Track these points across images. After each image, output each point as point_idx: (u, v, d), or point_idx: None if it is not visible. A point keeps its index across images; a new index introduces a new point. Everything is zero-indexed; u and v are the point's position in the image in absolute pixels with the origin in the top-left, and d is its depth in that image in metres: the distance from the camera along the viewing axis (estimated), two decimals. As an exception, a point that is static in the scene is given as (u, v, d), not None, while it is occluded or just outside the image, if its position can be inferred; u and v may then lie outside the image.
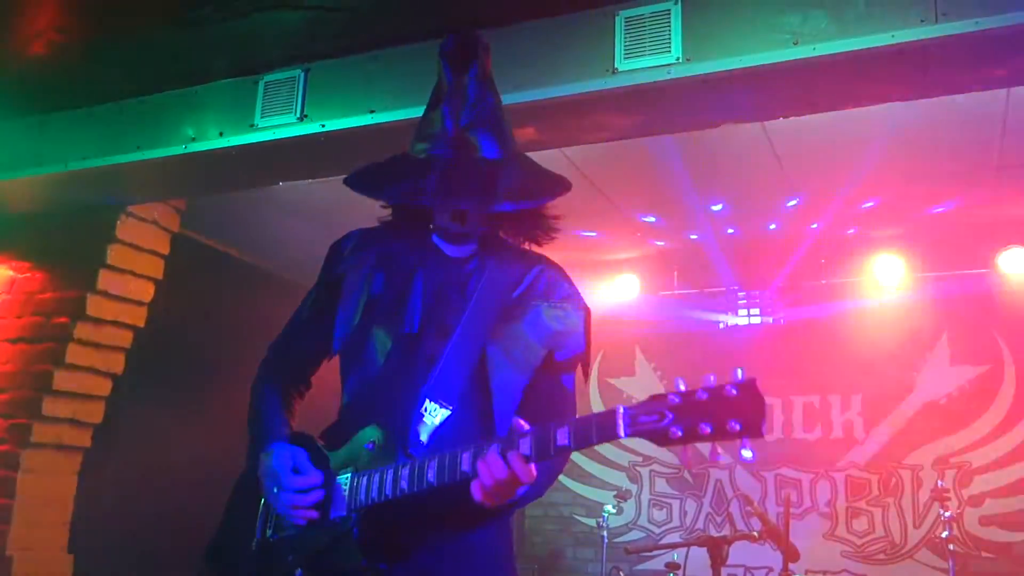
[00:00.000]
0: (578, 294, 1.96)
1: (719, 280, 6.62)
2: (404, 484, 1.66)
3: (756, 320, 6.53)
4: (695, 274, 6.68)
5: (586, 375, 1.93)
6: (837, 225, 6.05)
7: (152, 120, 4.35)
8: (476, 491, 1.57)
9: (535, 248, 2.01)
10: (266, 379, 2.11)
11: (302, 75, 4.03)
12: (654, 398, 1.42)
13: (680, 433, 1.37)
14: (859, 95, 3.56)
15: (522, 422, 1.59)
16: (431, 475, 1.62)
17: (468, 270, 1.93)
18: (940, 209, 5.72)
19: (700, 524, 6.55)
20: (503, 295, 1.88)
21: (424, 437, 1.76)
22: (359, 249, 2.02)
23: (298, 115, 3.99)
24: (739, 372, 1.39)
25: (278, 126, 4.04)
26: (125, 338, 5.08)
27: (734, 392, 1.37)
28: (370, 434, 1.80)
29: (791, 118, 3.79)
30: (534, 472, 1.55)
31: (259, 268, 6.68)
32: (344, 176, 1.96)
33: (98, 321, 4.92)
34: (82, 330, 4.86)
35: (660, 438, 1.39)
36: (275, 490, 1.82)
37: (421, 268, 1.94)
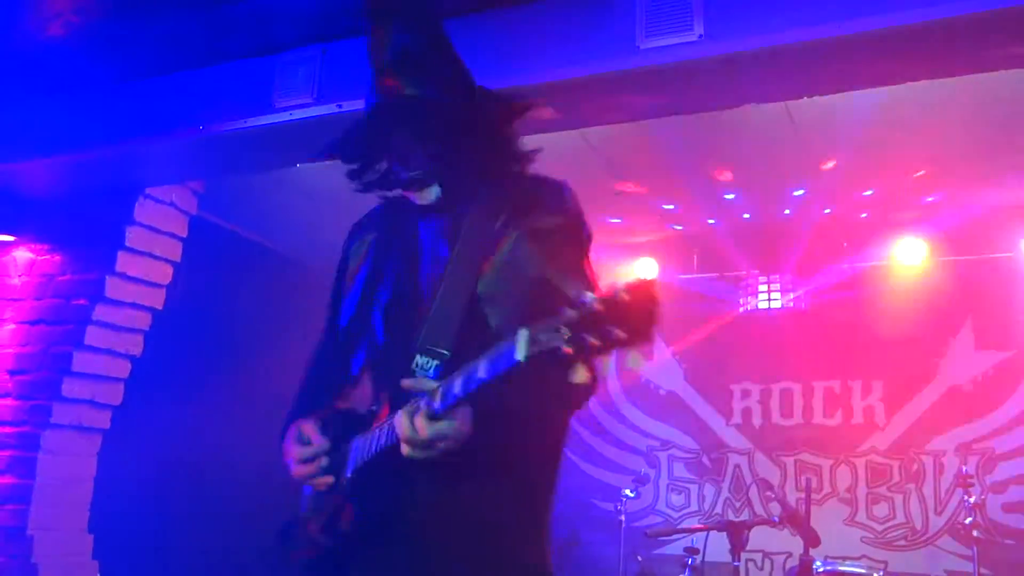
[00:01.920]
0: (562, 202, 1.86)
1: (739, 264, 6.56)
2: (383, 439, 1.68)
3: (777, 304, 6.45)
4: (715, 257, 6.62)
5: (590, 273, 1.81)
6: (859, 208, 5.97)
7: (169, 101, 4.33)
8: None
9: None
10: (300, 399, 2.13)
11: (319, 55, 4.00)
12: (552, 313, 1.31)
13: (571, 350, 1.27)
14: (884, 74, 3.49)
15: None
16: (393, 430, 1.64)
17: (454, 217, 1.87)
18: (964, 191, 5.63)
19: (719, 509, 6.52)
20: (487, 230, 1.82)
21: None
22: (361, 229, 2.06)
23: (315, 95, 3.96)
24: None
25: (295, 107, 4.00)
26: (144, 320, 5.08)
27: (626, 296, 1.24)
28: (373, 399, 1.83)
29: (815, 98, 3.73)
30: (442, 427, 1.52)
31: (276, 251, 6.68)
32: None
33: (117, 303, 4.92)
34: (101, 312, 4.87)
35: (555, 357, 1.30)
36: (289, 463, 1.89)
37: (414, 231, 1.93)
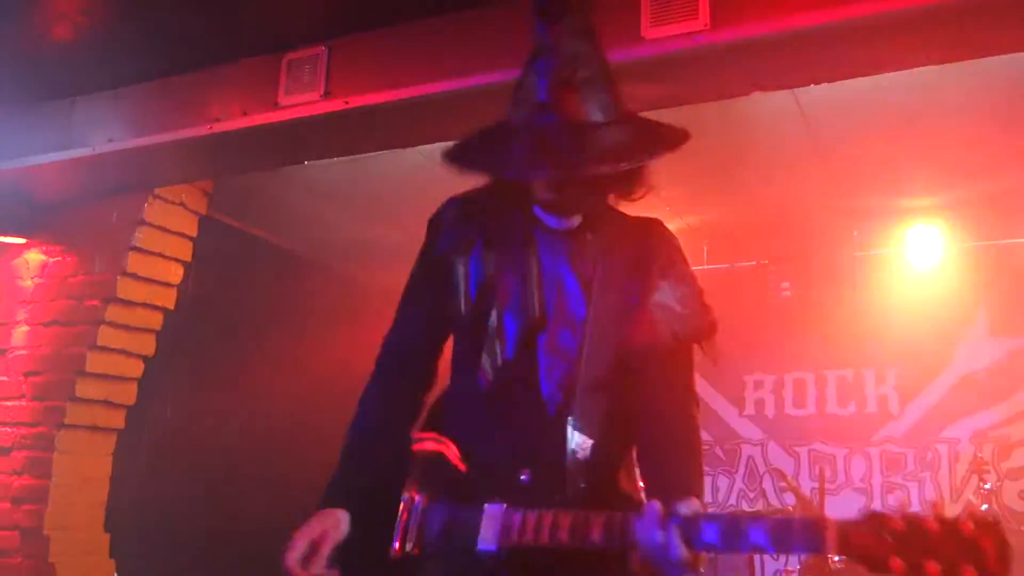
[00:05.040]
0: (689, 265, 1.81)
1: (750, 254, 6.53)
2: (564, 536, 1.54)
3: (788, 294, 6.43)
4: (725, 248, 6.59)
5: (713, 359, 1.78)
6: (871, 195, 5.93)
7: (177, 100, 4.35)
8: (634, 562, 1.47)
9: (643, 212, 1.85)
10: (378, 382, 1.91)
11: (325, 52, 4.00)
12: (873, 516, 1.26)
13: (902, 566, 1.20)
14: (894, 59, 3.47)
15: (694, 502, 1.49)
16: (596, 535, 1.51)
17: (581, 244, 1.77)
18: (977, 177, 5.59)
19: (732, 500, 6.50)
20: (626, 279, 1.73)
21: (578, 475, 1.65)
22: (460, 223, 1.85)
23: (322, 92, 3.97)
24: (984, 508, 1.28)
25: (302, 104, 4.01)
26: (155, 320, 5.11)
27: (971, 529, 1.19)
28: (521, 461, 1.67)
29: (822, 84, 3.71)
30: (701, 562, 1.44)
31: (286, 250, 6.69)
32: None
33: (129, 303, 4.95)
34: (113, 312, 4.90)
35: (876, 564, 1.23)
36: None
37: (531, 245, 1.78)
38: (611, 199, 1.83)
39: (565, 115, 1.65)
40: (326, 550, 1.70)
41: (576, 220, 1.79)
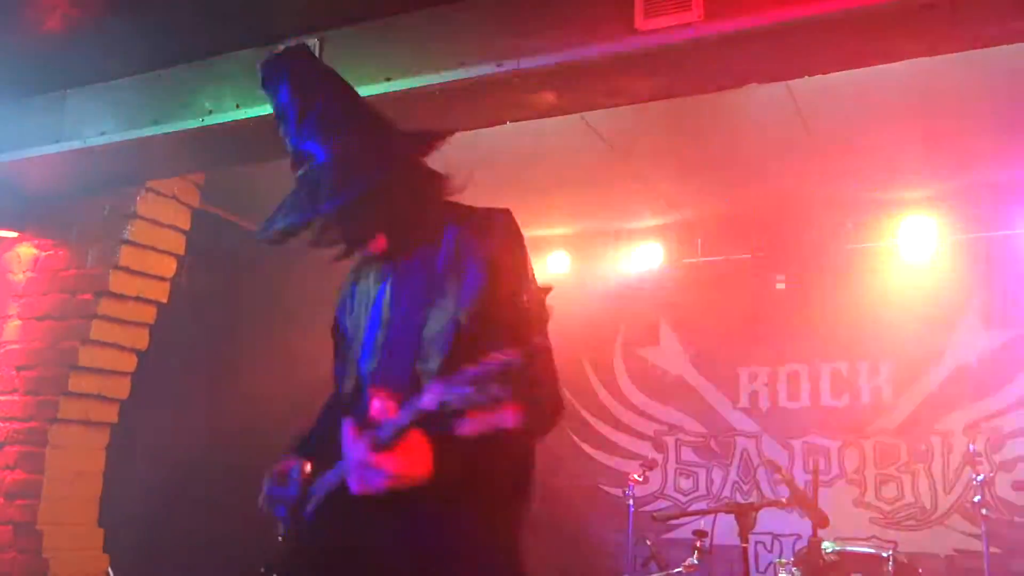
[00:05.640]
0: (481, 252, 1.84)
1: (744, 247, 6.53)
2: (331, 476, 1.78)
3: (782, 286, 6.43)
4: (720, 241, 6.59)
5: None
6: (865, 187, 5.94)
7: (169, 93, 4.33)
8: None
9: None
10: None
11: (317, 44, 3.99)
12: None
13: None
14: (887, 51, 3.47)
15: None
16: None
17: (385, 264, 1.97)
18: (970, 169, 5.60)
19: (727, 492, 6.51)
20: (414, 285, 1.89)
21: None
22: (352, 272, 2.17)
23: (314, 85, 3.94)
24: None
25: (294, 96, 3.99)
26: (149, 313, 5.09)
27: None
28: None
29: (816, 76, 3.71)
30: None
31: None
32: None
33: (122, 297, 4.93)
34: (106, 306, 4.89)
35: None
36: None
37: (362, 277, 2.06)
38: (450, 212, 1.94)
39: (304, 167, 1.89)
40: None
41: (365, 246, 1.95)
